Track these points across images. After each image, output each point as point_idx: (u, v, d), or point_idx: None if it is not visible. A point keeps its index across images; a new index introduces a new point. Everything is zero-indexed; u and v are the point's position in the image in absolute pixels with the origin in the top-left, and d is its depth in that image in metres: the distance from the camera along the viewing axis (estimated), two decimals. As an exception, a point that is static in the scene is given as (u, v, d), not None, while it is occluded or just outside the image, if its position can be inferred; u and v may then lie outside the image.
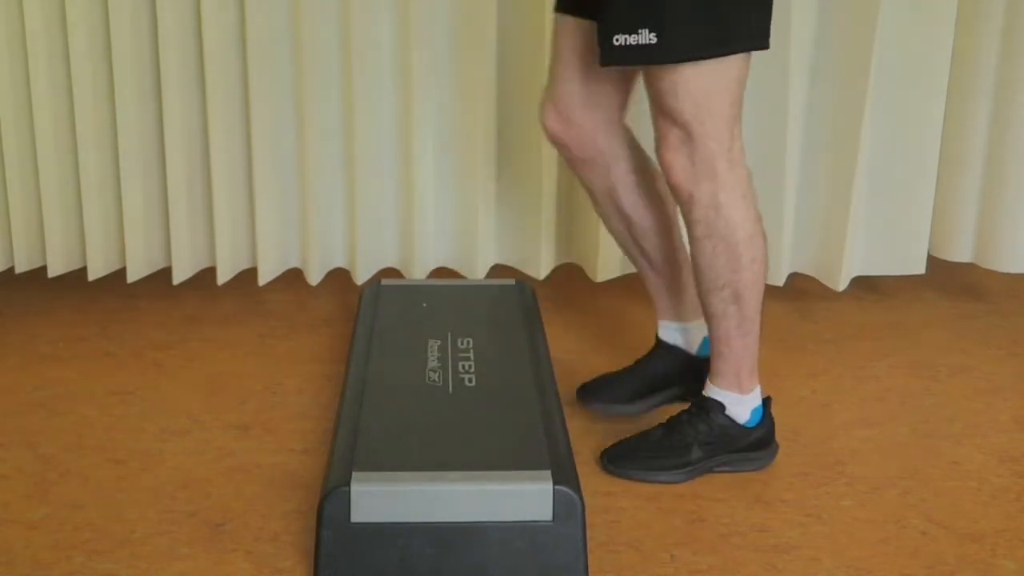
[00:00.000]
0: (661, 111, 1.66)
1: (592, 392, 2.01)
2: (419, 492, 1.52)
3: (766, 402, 1.86)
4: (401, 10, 2.38)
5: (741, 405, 1.82)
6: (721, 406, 1.82)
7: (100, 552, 1.61)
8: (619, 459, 1.83)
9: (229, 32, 2.37)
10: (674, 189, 1.69)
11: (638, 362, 2.02)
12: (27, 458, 1.87)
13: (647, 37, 1.57)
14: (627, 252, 1.97)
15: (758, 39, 1.64)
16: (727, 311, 1.75)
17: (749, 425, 1.83)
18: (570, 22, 1.77)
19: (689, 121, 1.63)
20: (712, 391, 1.83)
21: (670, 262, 1.92)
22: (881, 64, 2.36)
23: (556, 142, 1.85)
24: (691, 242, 1.73)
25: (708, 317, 1.79)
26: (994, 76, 2.43)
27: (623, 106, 1.83)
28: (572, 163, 1.87)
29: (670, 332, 1.98)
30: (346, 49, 2.40)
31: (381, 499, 1.52)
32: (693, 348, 1.96)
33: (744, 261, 1.71)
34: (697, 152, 1.64)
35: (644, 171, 1.86)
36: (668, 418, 1.86)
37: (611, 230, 1.95)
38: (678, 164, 1.66)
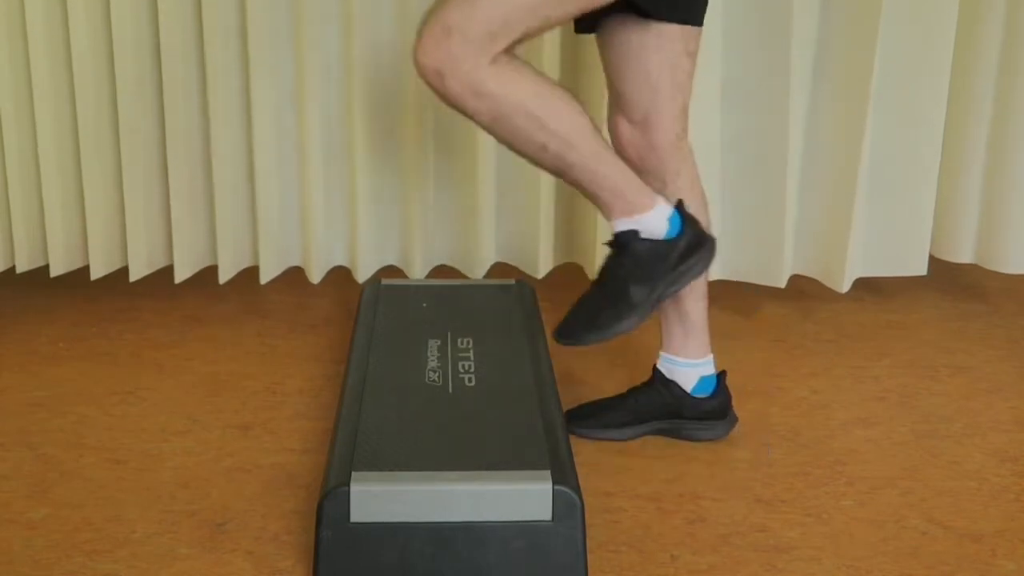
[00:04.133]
0: (432, 11, 1.62)
1: (580, 418, 1.98)
2: (419, 492, 1.52)
3: (679, 205, 1.78)
4: (401, 8, 2.38)
5: (651, 222, 1.74)
6: (633, 232, 1.73)
7: (100, 552, 1.61)
8: (570, 330, 1.76)
9: (230, 31, 2.37)
10: (434, 88, 1.63)
11: (631, 392, 1.99)
12: (27, 458, 1.87)
13: None
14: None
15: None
16: (567, 160, 1.67)
17: (671, 236, 1.75)
18: (597, 39, 1.80)
19: (457, 19, 1.58)
20: (616, 225, 1.75)
21: (690, 295, 1.88)
22: (883, 66, 2.36)
23: (621, 149, 1.82)
24: (498, 139, 1.68)
25: (559, 177, 1.72)
26: (995, 78, 2.44)
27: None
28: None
29: (672, 367, 1.94)
30: (347, 48, 2.40)
31: (381, 499, 1.52)
32: (689, 386, 1.93)
33: (544, 111, 1.63)
34: (458, 47, 1.59)
35: (698, 191, 1.85)
36: (597, 276, 1.79)
37: None
38: (436, 58, 1.60)
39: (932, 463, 1.90)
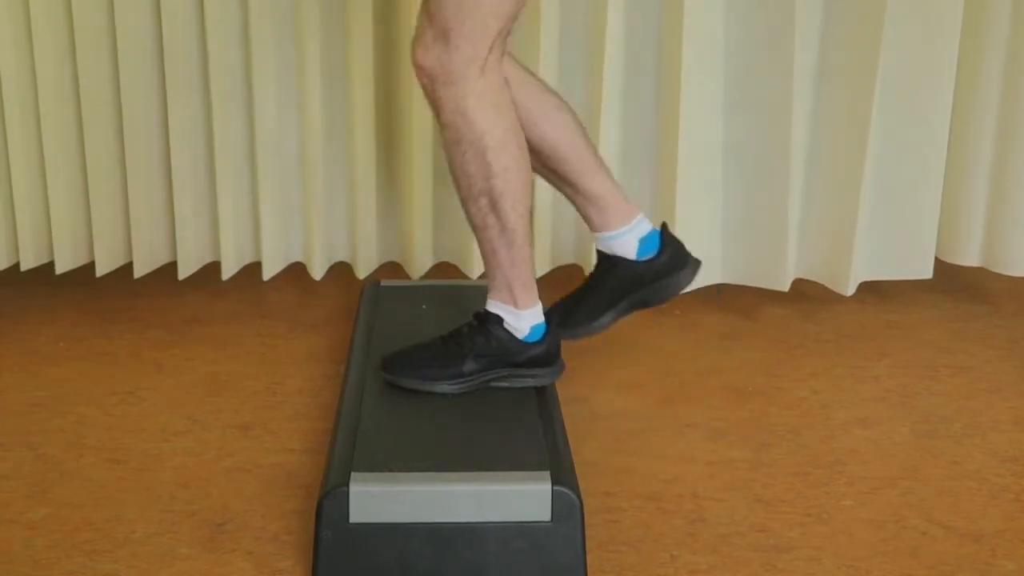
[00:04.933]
0: (425, 8, 1.65)
1: (558, 323, 1.95)
2: (418, 492, 1.52)
3: (548, 318, 1.84)
4: (402, 7, 2.38)
5: (518, 319, 1.81)
6: (499, 319, 1.80)
7: (100, 552, 1.61)
8: (394, 366, 1.82)
9: (232, 28, 2.38)
10: (424, 89, 1.68)
11: (588, 281, 1.97)
12: (27, 458, 1.87)
13: None
14: (546, 178, 1.93)
15: None
16: (487, 221, 1.73)
17: (528, 340, 1.81)
18: None
19: (448, 21, 1.62)
20: (490, 304, 1.82)
21: (584, 176, 1.87)
22: (887, 68, 2.35)
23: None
24: (445, 148, 1.71)
25: (473, 229, 1.77)
26: (1000, 80, 2.42)
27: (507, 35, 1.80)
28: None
29: (605, 242, 1.93)
30: (347, 47, 2.40)
31: (380, 499, 1.52)
32: (631, 253, 1.92)
33: (495, 168, 1.69)
34: (449, 54, 1.63)
35: (536, 105, 1.83)
36: (449, 331, 1.85)
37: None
38: (428, 62, 1.65)
39: (932, 463, 1.89)
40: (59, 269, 2.47)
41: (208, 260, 2.57)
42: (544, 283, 2.54)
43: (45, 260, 2.51)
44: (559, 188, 1.94)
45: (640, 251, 1.91)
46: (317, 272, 2.54)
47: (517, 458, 1.59)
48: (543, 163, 1.87)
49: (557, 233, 2.56)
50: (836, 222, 2.46)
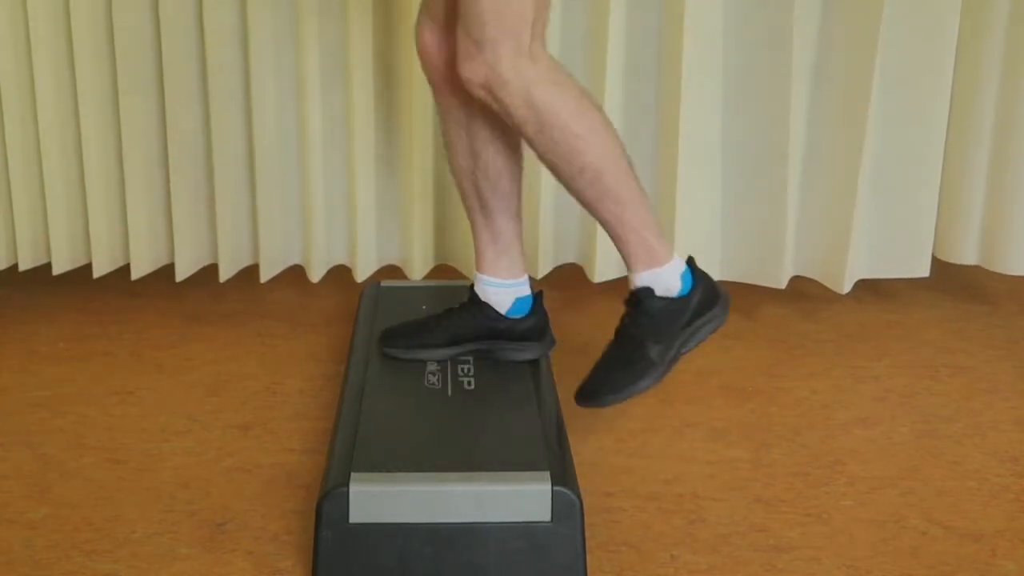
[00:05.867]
0: (462, 22, 1.63)
1: (393, 337, 1.95)
2: (418, 493, 1.52)
3: (690, 262, 1.79)
4: (403, 6, 2.38)
5: (667, 277, 1.76)
6: (650, 290, 1.75)
7: (100, 552, 1.61)
8: (590, 393, 1.76)
9: (231, 30, 2.38)
10: (483, 100, 1.66)
11: (447, 312, 1.96)
12: (27, 458, 1.87)
13: None
14: (462, 192, 1.89)
15: None
16: (600, 190, 1.70)
17: (686, 293, 1.77)
18: None
19: (485, 28, 1.60)
20: (635, 279, 1.76)
21: (503, 213, 1.87)
22: (884, 66, 2.35)
23: (427, 58, 1.80)
24: (532, 148, 1.69)
25: (589, 210, 1.74)
26: (998, 78, 2.43)
27: None
28: (438, 84, 1.81)
29: (485, 287, 1.92)
30: (347, 47, 2.40)
31: (380, 500, 1.52)
32: (504, 308, 1.91)
33: (584, 134, 1.66)
34: (496, 57, 1.61)
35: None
36: (615, 333, 1.80)
37: (453, 165, 1.88)
38: (480, 74, 1.63)
39: (932, 463, 1.89)
40: (56, 270, 2.47)
41: (206, 263, 2.56)
42: (545, 283, 2.54)
43: (43, 261, 2.51)
44: (470, 205, 1.90)
45: (512, 310, 1.91)
46: (315, 275, 2.54)
47: (517, 458, 1.59)
48: (478, 175, 1.84)
49: (558, 233, 2.56)
50: (833, 220, 2.46)
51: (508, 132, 1.80)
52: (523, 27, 1.61)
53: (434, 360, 1.91)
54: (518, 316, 1.91)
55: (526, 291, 1.92)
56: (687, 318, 1.77)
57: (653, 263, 1.75)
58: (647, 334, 1.75)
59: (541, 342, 1.91)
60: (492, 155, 1.82)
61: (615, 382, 1.74)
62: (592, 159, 1.68)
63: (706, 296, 1.79)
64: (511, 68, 1.62)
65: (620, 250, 1.76)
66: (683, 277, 1.77)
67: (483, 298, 1.92)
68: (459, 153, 1.85)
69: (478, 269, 1.93)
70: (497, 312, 1.91)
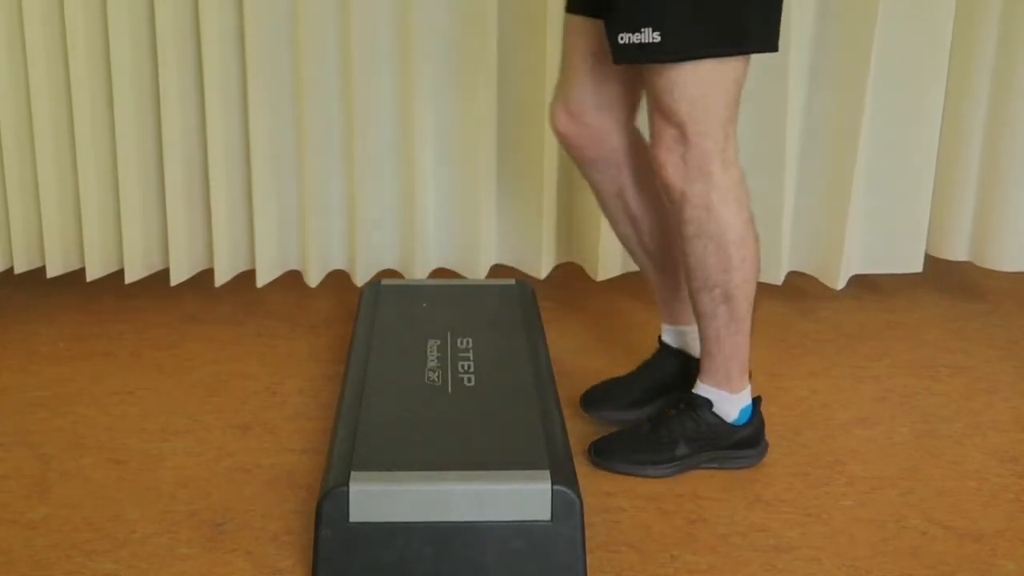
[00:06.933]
0: (658, 110, 1.66)
1: (595, 400, 2.00)
2: (418, 492, 1.52)
3: (756, 401, 1.86)
4: (402, 10, 2.38)
5: (730, 403, 1.83)
6: (709, 403, 1.82)
7: (100, 552, 1.61)
8: (606, 452, 1.84)
9: (227, 33, 2.37)
10: (666, 188, 1.69)
11: (641, 367, 2.02)
12: (27, 458, 1.87)
13: (650, 36, 1.58)
14: (633, 255, 1.96)
15: (759, 42, 1.64)
16: (717, 311, 1.75)
17: (737, 424, 1.84)
18: (581, 22, 1.77)
19: (684, 121, 1.63)
20: (701, 388, 1.84)
21: (675, 265, 1.91)
22: (879, 64, 2.36)
23: (567, 143, 1.84)
24: (682, 241, 1.73)
25: (698, 316, 1.79)
26: (992, 76, 2.44)
27: (634, 107, 1.83)
28: (582, 164, 1.86)
29: (673, 335, 1.99)
30: (346, 49, 2.39)
31: (380, 499, 1.52)
32: (695, 351, 1.95)
33: (735, 261, 1.71)
34: (691, 152, 1.64)
35: (652, 172, 1.86)
36: (657, 413, 1.87)
37: (618, 233, 1.94)
38: (671, 163, 1.66)
39: (932, 463, 1.89)
40: (50, 274, 2.47)
41: (201, 267, 2.54)
42: (545, 282, 2.54)
43: (37, 265, 2.50)
44: (641, 263, 1.96)
45: (737, 419, 1.92)
46: (313, 280, 2.52)
47: (517, 457, 1.59)
48: (643, 238, 1.90)
49: (559, 232, 2.56)
50: (828, 216, 2.47)
51: (658, 194, 1.82)
52: (721, 127, 1.65)
53: (629, 419, 1.96)
54: (742, 423, 1.90)
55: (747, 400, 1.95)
56: (726, 444, 1.83)
57: (723, 387, 1.82)
58: (686, 437, 1.82)
59: (758, 447, 1.92)
60: (648, 218, 1.87)
61: (634, 458, 1.83)
62: (730, 285, 1.73)
63: (752, 436, 1.86)
64: (703, 169, 1.65)
65: (702, 360, 1.83)
66: (743, 411, 1.84)
67: (674, 345, 1.99)
68: (619, 221, 1.91)
69: (664, 320, 2.00)
70: (688, 355, 1.97)
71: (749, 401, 1.85)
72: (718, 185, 1.66)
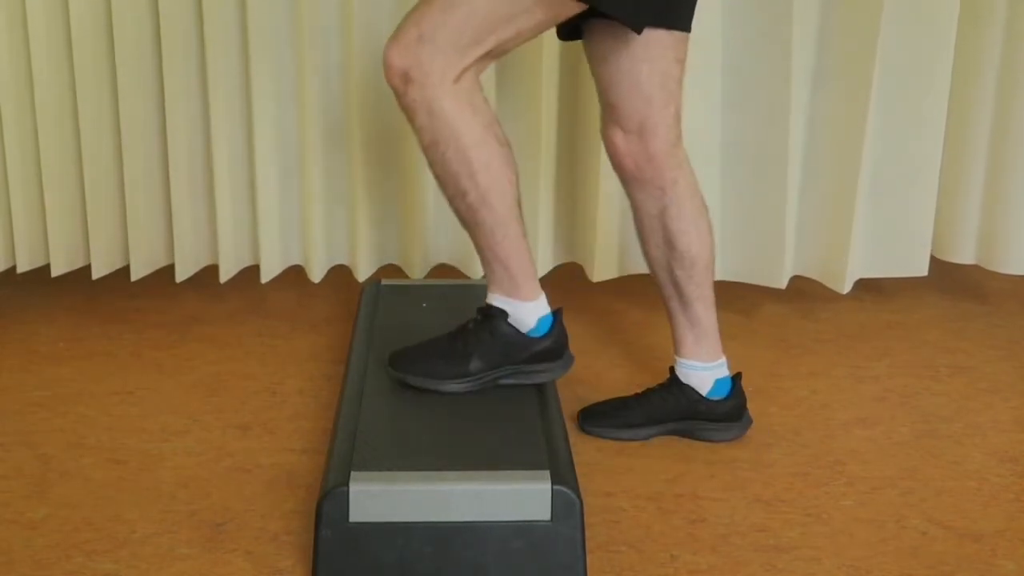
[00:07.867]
0: (414, 11, 1.66)
1: (594, 415, 1.98)
2: (418, 492, 1.52)
3: (556, 313, 1.83)
4: (402, 8, 2.38)
5: (525, 311, 1.80)
6: (504, 314, 1.80)
7: (100, 552, 1.61)
8: (401, 362, 1.81)
9: (231, 30, 2.38)
10: (395, 89, 1.67)
11: (647, 392, 1.99)
12: (27, 458, 1.87)
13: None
14: (658, 279, 1.92)
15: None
16: (477, 217, 1.73)
17: (534, 334, 1.81)
18: (583, 47, 1.80)
19: (435, 25, 1.63)
20: (494, 299, 1.81)
21: (700, 301, 1.90)
22: (884, 67, 2.36)
23: (615, 159, 1.83)
24: (422, 150, 1.71)
25: (465, 226, 1.77)
26: (996, 79, 2.43)
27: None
28: (627, 180, 1.85)
29: (686, 371, 1.95)
30: (348, 47, 2.40)
31: (380, 499, 1.52)
32: (705, 389, 1.94)
33: (476, 165, 1.69)
34: (431, 58, 1.63)
35: (698, 197, 1.85)
36: (457, 326, 1.85)
37: (648, 255, 1.91)
38: (405, 63, 1.65)
39: (932, 463, 1.89)
40: (55, 272, 2.47)
41: (206, 263, 2.56)
42: (545, 283, 2.54)
43: (41, 263, 2.51)
44: (666, 294, 1.92)
45: (712, 391, 1.93)
46: (316, 275, 2.54)
47: (517, 457, 1.59)
48: (673, 264, 1.87)
49: (558, 232, 2.56)
50: (833, 220, 2.46)
51: (700, 219, 1.84)
52: (467, 51, 1.63)
53: (636, 439, 1.95)
54: (718, 398, 1.93)
55: (725, 372, 1.94)
56: (523, 357, 1.81)
57: (514, 295, 1.80)
58: (480, 348, 1.80)
59: (740, 422, 1.94)
60: (687, 245, 1.85)
61: (429, 368, 1.80)
62: (480, 188, 1.71)
63: (554, 347, 1.83)
64: (436, 77, 1.64)
65: (485, 268, 1.81)
66: (542, 320, 1.82)
67: (684, 380, 1.94)
68: (653, 244, 1.88)
69: (678, 354, 1.95)
70: (698, 394, 1.94)
71: (546, 310, 1.82)
72: (449, 92, 1.64)
